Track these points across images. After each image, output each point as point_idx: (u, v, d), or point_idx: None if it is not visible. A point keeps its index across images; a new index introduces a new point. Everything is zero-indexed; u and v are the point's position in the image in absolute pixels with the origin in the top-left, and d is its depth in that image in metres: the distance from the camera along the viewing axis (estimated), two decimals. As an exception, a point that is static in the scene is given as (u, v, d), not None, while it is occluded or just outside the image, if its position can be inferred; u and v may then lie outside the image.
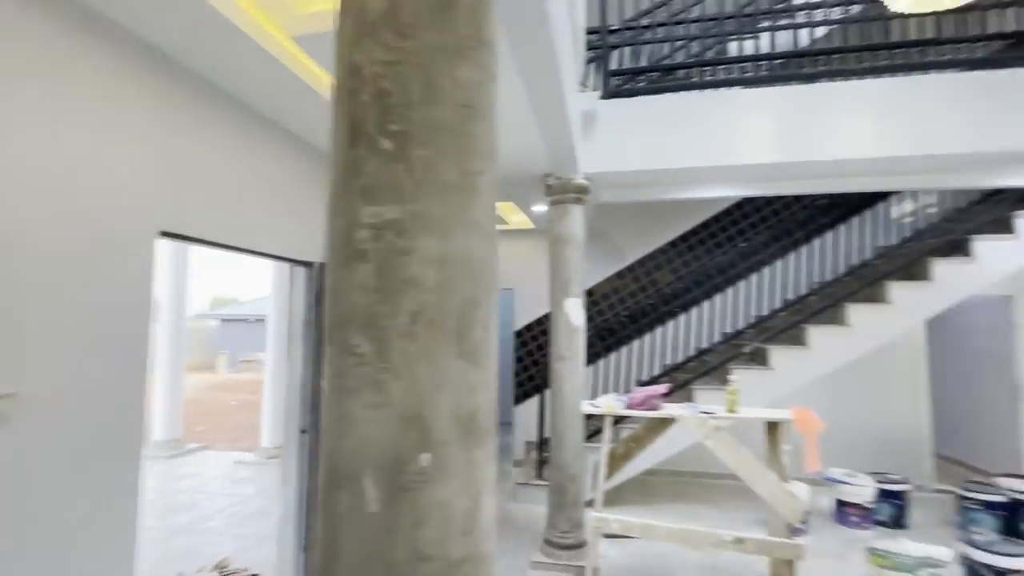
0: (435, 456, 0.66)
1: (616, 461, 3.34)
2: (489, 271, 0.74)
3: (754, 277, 5.00)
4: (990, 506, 4.01)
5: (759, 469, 2.80)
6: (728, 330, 4.91)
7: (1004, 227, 4.15)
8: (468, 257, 0.71)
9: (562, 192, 3.68)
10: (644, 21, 4.05)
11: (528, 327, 6.04)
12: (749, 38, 4.08)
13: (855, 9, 3.90)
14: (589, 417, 4.66)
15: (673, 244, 5.91)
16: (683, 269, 5.76)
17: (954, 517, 4.22)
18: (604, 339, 5.57)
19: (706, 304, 5.08)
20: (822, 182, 3.92)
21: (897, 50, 3.54)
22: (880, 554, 3.01)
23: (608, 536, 3.82)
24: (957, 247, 4.26)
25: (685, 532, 2.95)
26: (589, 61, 4.04)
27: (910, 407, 5.25)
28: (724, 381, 3.06)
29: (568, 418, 3.48)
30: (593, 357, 5.48)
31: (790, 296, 4.77)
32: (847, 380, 5.14)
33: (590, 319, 5.91)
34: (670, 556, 3.66)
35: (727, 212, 5.80)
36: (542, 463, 4.69)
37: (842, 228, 4.91)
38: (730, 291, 5.04)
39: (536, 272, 5.61)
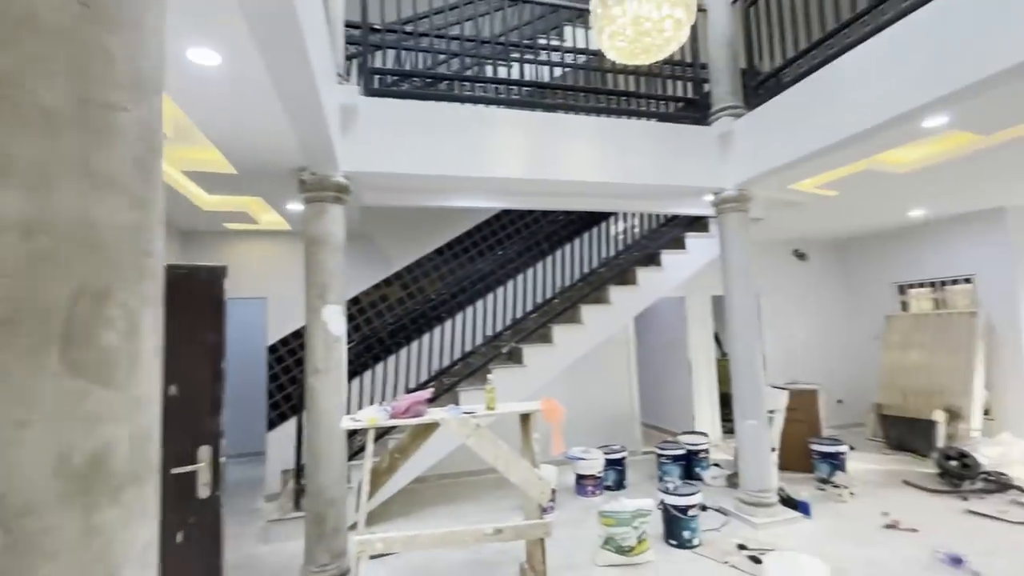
0: (12, 533, 0.42)
1: (380, 476, 3.17)
2: (135, 248, 0.52)
3: (510, 283, 5.47)
4: (675, 459, 5.21)
5: (514, 459, 3.00)
6: (489, 333, 5.24)
7: (680, 244, 5.49)
8: (89, 224, 0.48)
9: (319, 189, 3.36)
10: (408, 28, 4.03)
11: (284, 341, 5.38)
12: (503, 65, 4.45)
13: (582, 58, 4.64)
14: (352, 434, 4.37)
15: (439, 251, 6.05)
16: (449, 276, 5.95)
17: (655, 471, 5.34)
18: (372, 349, 5.34)
19: (470, 309, 5.34)
20: (560, 200, 4.52)
21: (611, 96, 4.33)
22: (606, 514, 3.56)
23: (374, 557, 3.61)
24: (652, 259, 5.45)
25: (448, 534, 2.96)
26: (350, 57, 3.82)
27: (625, 388, 6.48)
28: (485, 381, 3.20)
29: (326, 437, 3.16)
30: (361, 368, 5.20)
31: (539, 300, 5.37)
32: (581, 370, 6.05)
33: (356, 328, 5.60)
34: (437, 561, 3.65)
35: (487, 223, 6.24)
36: (300, 492, 4.18)
37: (577, 241, 5.77)
38: (490, 296, 5.40)
39: (294, 279, 5.04)
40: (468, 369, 4.95)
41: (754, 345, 4.24)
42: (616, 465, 5.17)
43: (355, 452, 4.40)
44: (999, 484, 4.52)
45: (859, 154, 3.79)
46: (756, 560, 3.35)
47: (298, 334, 5.30)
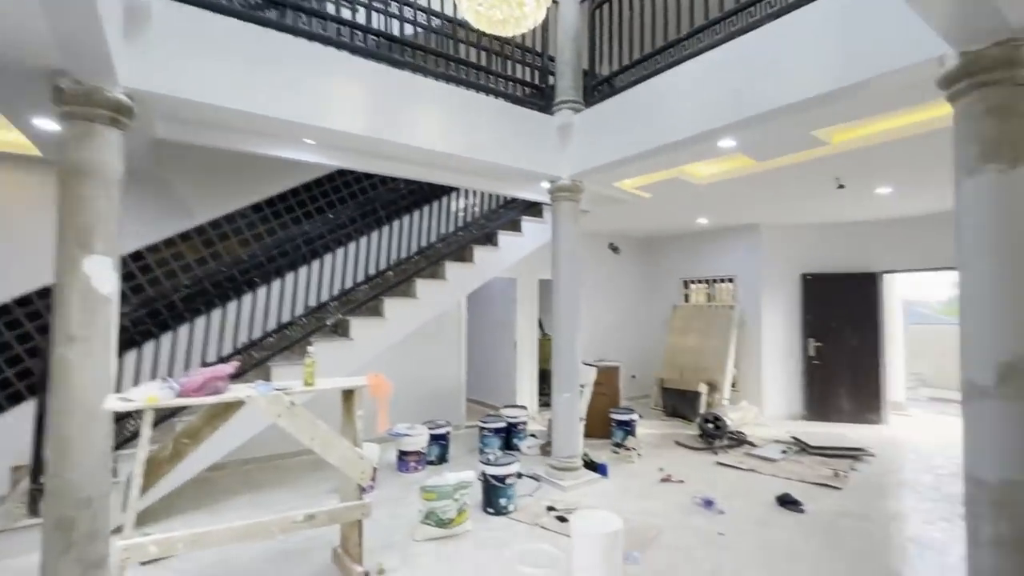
0: None
1: (161, 466, 2.63)
2: None
3: (340, 250, 5.04)
4: (496, 431, 5.45)
5: (333, 439, 2.76)
6: (313, 303, 4.76)
7: (516, 227, 5.69)
8: None
9: (86, 104, 2.56)
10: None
11: (23, 300, 4.13)
12: (348, 7, 3.99)
13: (437, 22, 4.41)
14: (123, 417, 3.59)
15: (257, 208, 5.28)
16: (268, 237, 5.24)
17: (478, 444, 5.52)
18: (158, 315, 4.42)
19: (291, 276, 4.77)
20: (402, 166, 4.27)
21: (463, 66, 4.21)
22: (428, 489, 3.53)
23: (147, 562, 3.01)
24: (489, 238, 5.55)
25: (250, 527, 2.61)
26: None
27: (455, 364, 6.55)
28: (305, 355, 2.87)
29: (80, 422, 2.49)
30: (141, 337, 4.28)
31: (372, 271, 5.05)
32: (411, 345, 5.92)
33: (138, 289, 4.59)
34: (236, 556, 3.22)
35: (319, 182, 5.64)
36: (39, 493, 3.26)
37: (416, 213, 5.57)
38: (316, 263, 4.90)
39: (41, 222, 3.88)
40: (285, 342, 4.43)
41: (575, 326, 4.62)
42: (440, 440, 5.20)
43: (127, 439, 3.61)
44: (738, 440, 5.75)
45: (670, 162, 4.35)
46: (563, 519, 3.69)
47: (45, 292, 4.12)
